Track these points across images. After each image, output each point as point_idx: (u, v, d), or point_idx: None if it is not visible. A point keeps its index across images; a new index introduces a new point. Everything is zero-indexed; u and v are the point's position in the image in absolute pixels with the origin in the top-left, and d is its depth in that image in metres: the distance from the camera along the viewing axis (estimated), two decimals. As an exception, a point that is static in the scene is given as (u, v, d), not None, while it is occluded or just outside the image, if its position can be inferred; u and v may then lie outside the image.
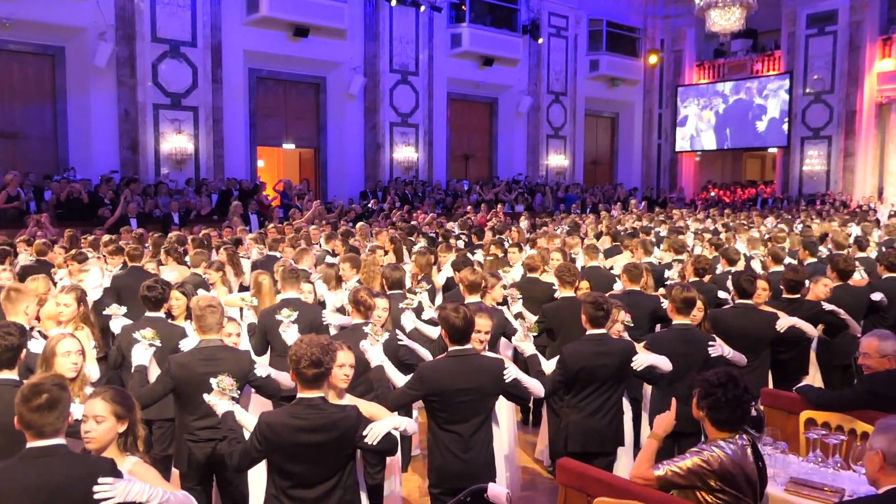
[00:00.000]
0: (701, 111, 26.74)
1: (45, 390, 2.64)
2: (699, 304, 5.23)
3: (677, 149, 27.47)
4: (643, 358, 4.45)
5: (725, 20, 19.62)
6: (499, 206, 17.64)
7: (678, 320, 4.84)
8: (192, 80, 16.53)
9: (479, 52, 21.66)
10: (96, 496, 2.57)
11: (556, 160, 24.43)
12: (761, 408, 4.60)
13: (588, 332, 4.51)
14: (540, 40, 23.02)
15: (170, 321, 5.21)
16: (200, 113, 16.70)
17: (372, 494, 4.18)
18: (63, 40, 15.52)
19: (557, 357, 4.57)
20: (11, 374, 3.45)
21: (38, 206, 13.33)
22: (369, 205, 17.13)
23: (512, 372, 3.90)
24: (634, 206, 19.56)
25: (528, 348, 4.53)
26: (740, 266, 7.94)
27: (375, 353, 4.05)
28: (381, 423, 3.37)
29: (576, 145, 25.11)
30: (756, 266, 8.51)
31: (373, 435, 3.27)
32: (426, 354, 4.82)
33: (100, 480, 2.58)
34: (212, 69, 16.78)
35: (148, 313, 5.04)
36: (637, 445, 5.46)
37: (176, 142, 16.39)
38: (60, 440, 2.67)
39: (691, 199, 25.40)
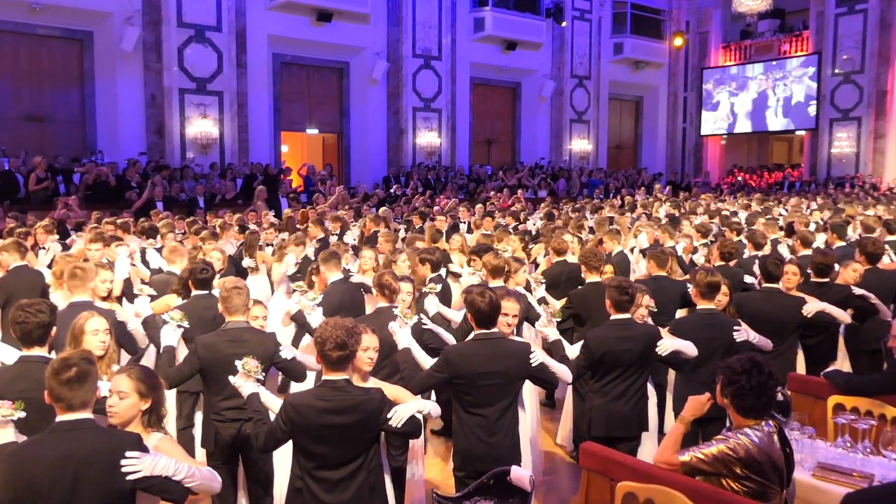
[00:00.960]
0: (727, 93, 26.36)
1: (74, 364, 2.70)
2: (724, 288, 5.18)
3: (702, 132, 27.12)
4: (668, 343, 4.43)
5: (752, 0, 19.24)
6: (520, 191, 17.56)
7: (703, 305, 4.80)
8: (218, 65, 16.62)
9: (502, 36, 21.51)
10: (123, 469, 2.61)
11: (580, 145, 24.24)
12: (788, 393, 4.56)
13: (612, 317, 4.49)
14: (563, 23, 22.78)
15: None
16: (225, 98, 16.80)
17: (395, 477, 4.21)
18: (91, 25, 15.65)
19: (581, 342, 4.56)
20: (42, 351, 3.52)
21: (66, 189, 13.53)
22: (391, 190, 17.14)
23: (538, 356, 3.89)
24: (659, 190, 19.36)
25: (552, 333, 4.52)
26: (767, 250, 7.84)
27: (403, 336, 4.07)
28: (406, 406, 3.39)
29: (599, 129, 24.89)
30: (784, 251, 8.41)
31: (397, 418, 3.29)
32: (450, 339, 4.83)
33: (127, 454, 2.63)
34: (236, 54, 16.85)
35: (196, 291, 5.15)
36: (661, 431, 5.44)
37: (201, 126, 16.52)
38: (88, 414, 2.72)
39: (717, 184, 25.08)
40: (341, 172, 19.58)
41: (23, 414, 2.94)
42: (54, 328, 3.61)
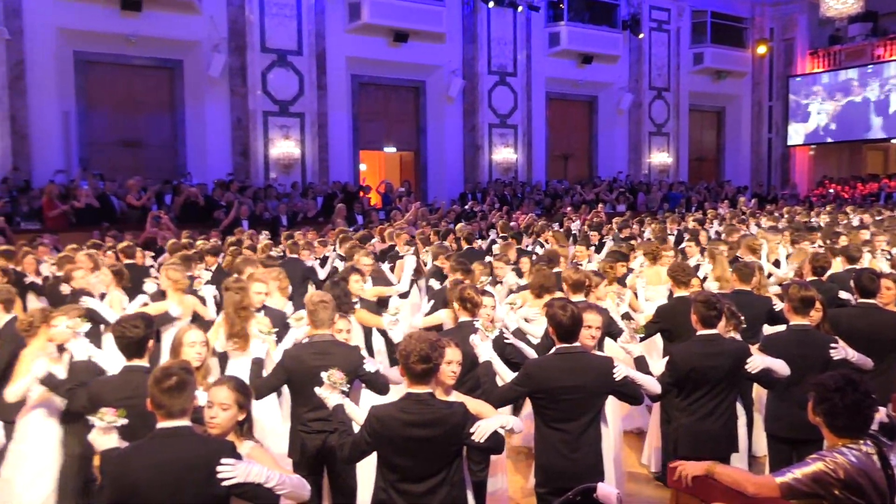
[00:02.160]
0: (815, 101, 25.33)
1: (175, 373, 2.84)
2: (817, 304, 4.96)
3: (789, 142, 26.12)
4: (758, 360, 4.26)
5: (842, 4, 18.52)
6: (599, 205, 17.33)
7: (795, 321, 4.61)
8: (299, 88, 17.17)
9: (578, 50, 21.38)
10: (219, 475, 2.72)
11: (659, 157, 23.76)
12: (893, 414, 4.31)
13: (699, 333, 4.37)
14: (641, 35, 22.45)
15: None
16: (307, 119, 17.32)
17: (476, 491, 4.20)
18: (181, 54, 16.45)
19: (667, 358, 4.46)
20: (142, 362, 3.71)
21: (159, 210, 14.19)
22: (467, 207, 17.22)
23: (622, 370, 3.82)
24: (744, 203, 18.75)
25: (635, 350, 4.43)
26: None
27: (485, 349, 4.07)
28: (489, 421, 3.38)
29: (680, 142, 24.33)
30: (884, 265, 7.99)
31: (480, 432, 3.29)
32: (531, 353, 4.80)
33: (222, 461, 2.74)
34: (317, 76, 17.38)
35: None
36: (751, 451, 5.24)
37: (284, 147, 17.08)
38: (187, 422, 2.86)
39: (805, 196, 24.07)
40: (418, 189, 19.81)
41: (125, 421, 3.09)
42: (151, 341, 3.80)
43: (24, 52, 14.44)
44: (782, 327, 5.02)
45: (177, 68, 16.61)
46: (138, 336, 3.71)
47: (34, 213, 13.40)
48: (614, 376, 3.79)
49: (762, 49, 25.30)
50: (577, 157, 23.11)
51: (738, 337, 4.66)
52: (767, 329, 5.75)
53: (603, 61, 21.96)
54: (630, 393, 3.93)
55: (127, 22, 15.28)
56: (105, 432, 3.04)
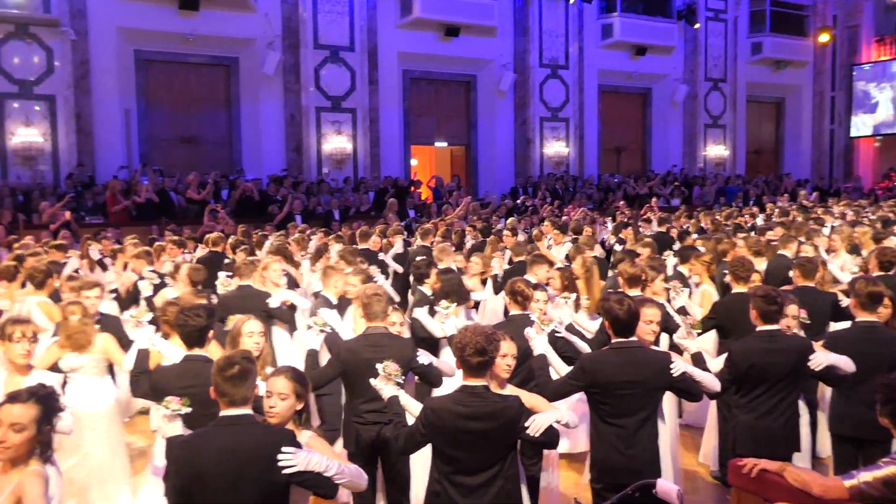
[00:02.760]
0: (881, 91, 24.38)
1: (237, 362, 2.90)
2: (886, 300, 4.78)
3: (853, 134, 25.22)
4: (822, 357, 4.13)
5: (911, -10, 17.69)
6: (653, 199, 17.03)
7: (862, 317, 4.45)
8: (351, 84, 17.34)
9: (632, 42, 21.03)
10: (280, 463, 2.77)
11: (716, 150, 23.22)
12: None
13: (758, 329, 4.25)
14: (696, 25, 21.95)
15: None
16: (358, 114, 17.49)
17: (529, 486, 4.18)
18: (236, 51, 16.77)
19: (725, 355, 4.36)
20: (202, 351, 3.81)
21: (216, 204, 14.51)
22: (518, 201, 17.14)
23: (680, 366, 3.75)
24: (804, 196, 18.20)
25: (692, 345, 4.34)
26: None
27: (540, 342, 4.04)
28: (544, 415, 3.37)
29: (737, 134, 23.73)
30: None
31: (535, 427, 3.27)
32: (585, 347, 4.76)
33: (283, 449, 2.78)
34: (368, 72, 17.52)
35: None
36: (814, 452, 5.09)
37: (336, 142, 17.27)
38: (248, 410, 2.92)
39: (870, 189, 23.20)
40: (469, 184, 19.80)
41: (189, 409, 3.18)
42: (211, 331, 3.89)
43: (89, 52, 14.93)
44: (848, 324, 4.86)
45: (232, 66, 16.95)
46: (200, 325, 3.80)
47: (98, 208, 13.88)
48: (672, 371, 3.73)
49: (824, 37, 24.44)
50: (629, 150, 22.76)
51: (801, 334, 4.52)
52: (834, 326, 5.58)
53: (657, 52, 21.56)
54: (688, 389, 3.86)
55: (185, 21, 15.65)
56: (170, 420, 3.12)
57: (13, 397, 2.75)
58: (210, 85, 16.98)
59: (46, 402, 2.78)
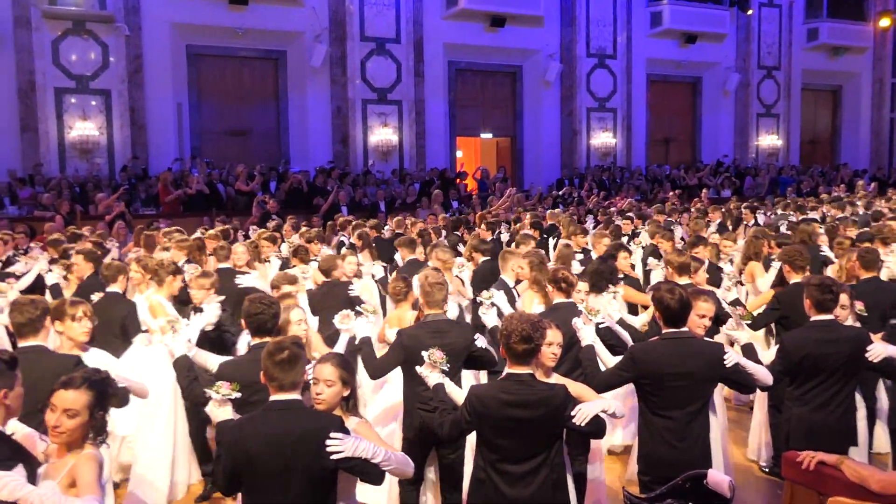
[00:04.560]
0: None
1: (287, 348, 2.95)
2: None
3: (914, 123, 24.28)
4: (880, 348, 4.00)
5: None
6: (703, 191, 16.70)
7: (925, 309, 4.29)
8: (397, 75, 17.40)
9: (682, 30, 20.59)
10: (328, 449, 2.80)
11: (768, 140, 22.62)
12: None
13: (812, 318, 4.14)
14: (749, 11, 21.34)
15: None
16: (404, 106, 17.55)
17: (575, 476, 4.14)
18: (284, 45, 16.98)
19: (778, 345, 4.25)
20: (266, 340, 3.90)
21: (264, 196, 14.74)
22: (562, 192, 16.99)
23: (733, 357, 3.66)
24: (862, 187, 17.61)
25: (742, 337, 4.24)
26: None
27: (588, 332, 4.00)
28: (591, 404, 3.34)
29: (791, 123, 23.07)
30: None
31: (581, 416, 3.24)
32: (628, 339, 4.69)
33: (331, 435, 2.82)
34: (414, 63, 17.56)
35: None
36: (871, 447, 4.93)
37: (382, 134, 17.37)
38: (297, 395, 2.96)
39: (932, 180, 22.32)
40: (514, 175, 19.71)
41: (239, 395, 3.22)
42: (278, 321, 3.99)
43: (142, 48, 15.30)
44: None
45: (280, 59, 17.16)
46: (276, 313, 3.91)
47: (151, 200, 14.23)
48: (725, 363, 3.64)
49: (885, 22, 23.52)
50: (679, 140, 22.34)
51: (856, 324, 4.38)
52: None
53: (708, 40, 21.08)
54: (740, 381, 3.76)
55: (235, 15, 15.90)
56: (220, 405, 3.18)
57: (67, 383, 2.79)
58: (259, 78, 17.22)
59: (100, 388, 2.83)
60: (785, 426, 4.22)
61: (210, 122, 16.74)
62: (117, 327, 5.38)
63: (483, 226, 10.00)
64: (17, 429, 2.97)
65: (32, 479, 2.62)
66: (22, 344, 3.76)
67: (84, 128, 14.87)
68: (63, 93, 14.72)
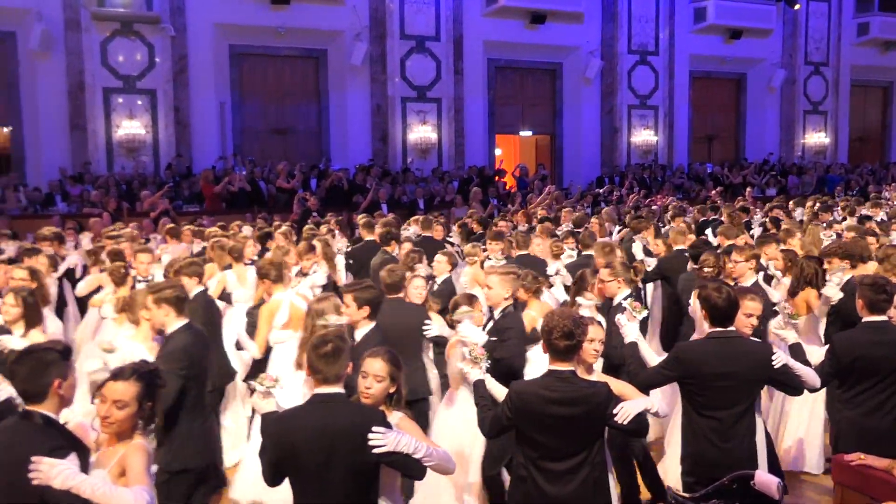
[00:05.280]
0: None
1: (331, 341, 2.98)
2: None
3: (970, 119, 23.44)
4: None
5: None
6: (748, 189, 16.36)
7: None
8: (436, 73, 17.44)
9: (726, 25, 20.19)
10: (371, 443, 2.82)
11: (815, 138, 22.07)
12: None
13: (865, 319, 4.03)
14: (797, 6, 20.83)
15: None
16: (443, 104, 17.57)
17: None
18: (325, 44, 17.13)
19: (827, 346, 4.14)
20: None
21: (305, 193, 14.89)
22: (602, 190, 16.81)
23: (781, 358, 3.58)
24: (913, 186, 17.08)
25: (790, 336, 4.14)
26: None
27: (631, 330, 3.95)
28: (634, 402, 3.30)
29: (839, 121, 22.47)
30: None
31: (623, 414, 3.20)
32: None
33: (374, 429, 2.83)
34: (454, 61, 17.57)
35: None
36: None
37: (421, 132, 17.42)
38: (340, 389, 2.98)
39: None
40: (554, 173, 19.57)
41: (283, 387, 3.26)
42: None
43: (187, 48, 15.59)
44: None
45: (321, 58, 17.31)
46: (373, 296, 4.19)
47: (194, 197, 14.49)
48: (773, 363, 3.56)
49: (939, 16, 22.79)
50: (722, 138, 21.94)
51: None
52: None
53: (753, 36, 20.64)
54: (788, 382, 3.67)
55: (276, 15, 16.09)
56: (264, 397, 3.22)
57: (117, 374, 2.86)
58: (300, 77, 17.41)
59: (148, 380, 2.89)
60: (835, 428, 4.12)
61: (252, 120, 16.98)
62: None
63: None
64: (70, 418, 3.05)
65: (85, 467, 2.68)
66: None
67: (130, 127, 15.21)
68: (111, 92, 15.07)
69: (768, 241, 6.29)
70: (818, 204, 11.43)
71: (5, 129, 15.76)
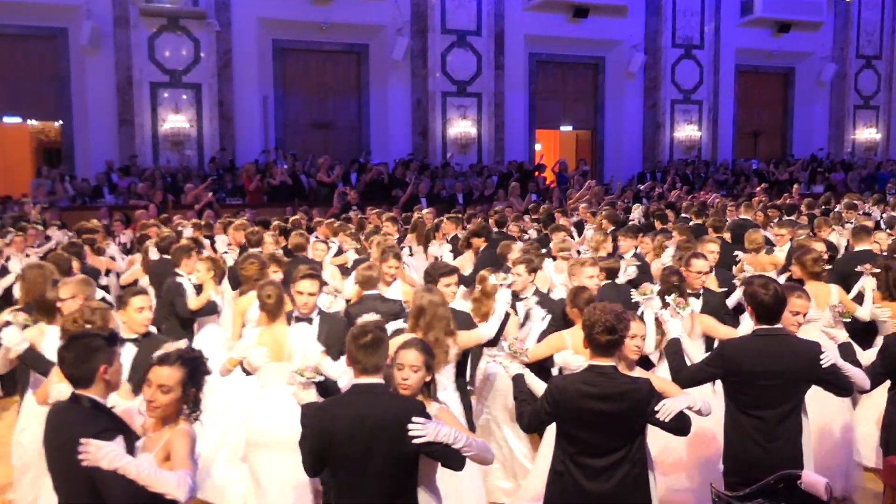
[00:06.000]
0: None
1: (370, 331, 2.99)
2: None
3: None
4: None
5: None
6: (795, 186, 15.98)
7: None
8: (477, 68, 17.39)
9: (774, 18, 19.70)
10: (410, 433, 2.83)
11: (866, 133, 21.46)
12: None
13: (919, 320, 3.90)
14: (849, -2, 20.30)
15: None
16: (484, 99, 17.53)
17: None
18: (367, 38, 17.21)
19: (880, 346, 4.02)
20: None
21: (345, 187, 15.01)
22: (641, 187, 16.59)
23: (830, 357, 3.48)
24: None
25: (840, 335, 4.03)
26: None
27: (674, 326, 3.89)
28: (676, 399, 3.24)
29: (891, 116, 21.79)
30: None
31: (665, 411, 3.15)
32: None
33: (413, 419, 2.84)
34: (494, 56, 17.51)
35: None
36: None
37: (461, 127, 17.40)
38: (380, 379, 3.00)
39: None
40: (595, 169, 19.39)
41: (322, 378, 3.29)
42: None
43: (232, 43, 15.83)
44: None
45: (363, 52, 17.41)
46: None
47: (237, 190, 14.71)
48: (821, 363, 3.46)
49: None
50: (768, 134, 21.46)
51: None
52: None
53: (802, 29, 20.13)
54: (837, 382, 3.55)
55: (319, 10, 16.24)
56: (304, 387, 3.25)
57: (162, 360, 2.91)
58: (342, 72, 17.52)
59: (193, 365, 2.94)
60: (886, 431, 4.00)
61: (294, 114, 17.16)
62: None
63: None
64: (117, 402, 3.12)
65: (131, 451, 2.74)
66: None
67: (176, 120, 15.50)
68: (157, 87, 15.38)
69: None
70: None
71: (56, 124, 16.21)
